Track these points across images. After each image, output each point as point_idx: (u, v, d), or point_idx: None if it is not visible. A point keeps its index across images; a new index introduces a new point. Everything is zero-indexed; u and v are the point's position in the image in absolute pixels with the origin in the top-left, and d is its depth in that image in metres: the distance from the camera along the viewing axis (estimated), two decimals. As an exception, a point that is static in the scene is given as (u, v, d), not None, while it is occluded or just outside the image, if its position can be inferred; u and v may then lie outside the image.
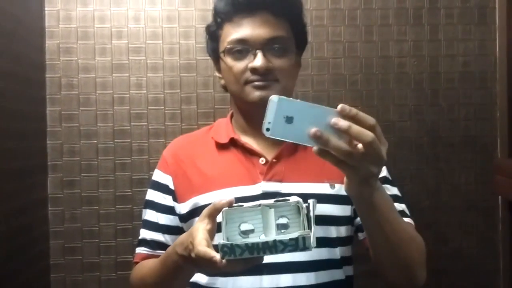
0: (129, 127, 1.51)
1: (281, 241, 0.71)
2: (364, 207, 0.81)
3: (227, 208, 0.77)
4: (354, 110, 0.70)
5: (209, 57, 1.15)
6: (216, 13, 1.05)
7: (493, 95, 1.55)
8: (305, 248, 0.72)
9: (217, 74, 1.10)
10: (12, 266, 1.25)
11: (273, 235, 0.74)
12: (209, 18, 1.11)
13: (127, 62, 1.51)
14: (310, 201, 0.77)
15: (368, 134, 0.69)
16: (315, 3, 1.53)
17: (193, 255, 0.79)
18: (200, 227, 0.80)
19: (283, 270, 0.96)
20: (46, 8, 1.49)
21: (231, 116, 1.12)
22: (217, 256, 0.75)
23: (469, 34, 1.55)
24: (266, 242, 0.71)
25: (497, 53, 1.54)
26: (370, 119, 0.71)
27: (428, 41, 1.54)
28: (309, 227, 0.75)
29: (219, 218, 0.79)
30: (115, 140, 1.51)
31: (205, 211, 0.81)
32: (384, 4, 1.54)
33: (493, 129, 1.55)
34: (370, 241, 0.88)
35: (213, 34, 1.06)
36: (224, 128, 1.09)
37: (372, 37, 1.54)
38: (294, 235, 0.72)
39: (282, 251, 0.72)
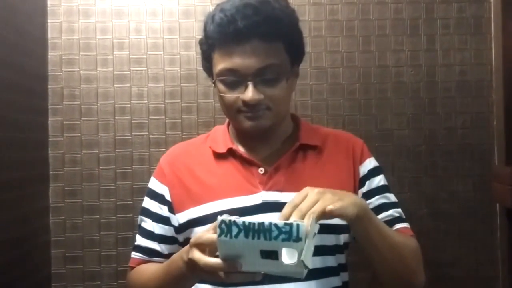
0: (130, 137, 1.53)
1: (276, 225, 0.72)
2: (361, 231, 0.90)
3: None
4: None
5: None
6: (207, 35, 1.00)
7: (489, 103, 1.57)
8: (298, 239, 0.72)
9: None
10: (14, 275, 1.26)
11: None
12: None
13: (129, 72, 1.53)
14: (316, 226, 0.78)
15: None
16: (314, 14, 1.55)
17: (191, 256, 0.82)
18: (204, 235, 0.82)
19: (285, 279, 0.94)
20: (49, 20, 1.52)
21: (228, 124, 1.11)
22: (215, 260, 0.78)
23: (465, 43, 1.57)
24: (262, 223, 0.72)
25: (493, 62, 1.56)
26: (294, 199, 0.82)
27: (425, 50, 1.56)
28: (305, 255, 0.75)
29: None
30: (116, 150, 1.53)
31: (213, 224, 0.81)
32: (381, 15, 1.56)
33: (490, 137, 1.56)
34: (369, 258, 0.94)
35: (205, 53, 1.04)
36: (222, 137, 1.08)
37: (370, 47, 1.56)
38: (289, 221, 0.73)
39: (276, 239, 0.72)
